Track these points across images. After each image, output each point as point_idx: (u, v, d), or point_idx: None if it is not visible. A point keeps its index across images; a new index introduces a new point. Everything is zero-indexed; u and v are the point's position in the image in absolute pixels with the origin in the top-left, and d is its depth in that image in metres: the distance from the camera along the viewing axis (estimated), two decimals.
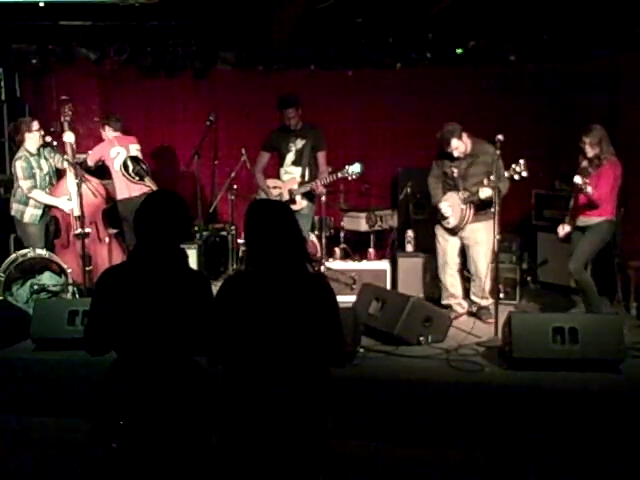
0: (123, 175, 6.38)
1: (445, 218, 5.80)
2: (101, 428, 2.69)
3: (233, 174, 6.87)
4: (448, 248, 5.90)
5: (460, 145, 5.65)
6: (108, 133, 6.57)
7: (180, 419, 2.66)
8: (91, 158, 6.56)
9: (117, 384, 2.71)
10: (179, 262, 2.78)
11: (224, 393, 2.70)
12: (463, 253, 5.92)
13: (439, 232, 5.94)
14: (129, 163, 6.39)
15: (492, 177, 5.29)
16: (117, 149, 6.46)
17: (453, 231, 5.84)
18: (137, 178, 6.34)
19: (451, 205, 5.75)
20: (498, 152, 5.32)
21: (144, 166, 6.48)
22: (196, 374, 2.77)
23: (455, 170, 5.75)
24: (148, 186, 6.20)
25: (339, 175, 6.15)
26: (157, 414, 2.63)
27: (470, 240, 5.78)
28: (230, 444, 2.68)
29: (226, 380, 2.71)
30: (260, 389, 2.62)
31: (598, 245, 5.42)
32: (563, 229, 5.59)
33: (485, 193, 5.47)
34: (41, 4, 5.94)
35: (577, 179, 5.20)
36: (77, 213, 6.01)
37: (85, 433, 2.74)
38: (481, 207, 5.60)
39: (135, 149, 6.56)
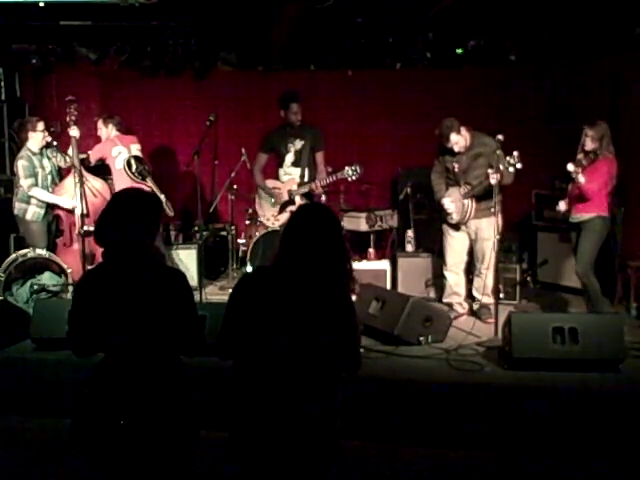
0: (126, 174, 6.37)
1: (449, 214, 5.81)
2: (82, 428, 2.68)
3: (233, 174, 6.87)
4: (455, 245, 5.91)
5: (460, 140, 5.65)
6: (110, 131, 6.57)
7: (161, 419, 2.64)
8: (92, 156, 6.55)
9: (99, 385, 2.70)
10: (152, 260, 2.77)
11: (233, 389, 2.69)
12: (471, 253, 5.93)
13: (445, 229, 5.95)
14: (132, 162, 6.39)
15: (500, 166, 5.27)
16: (118, 148, 6.46)
17: (459, 228, 5.85)
18: (140, 178, 6.34)
19: (453, 200, 5.76)
20: (498, 152, 5.31)
21: (146, 166, 6.49)
22: (178, 373, 2.75)
23: (456, 165, 5.75)
24: (149, 186, 6.20)
25: (338, 176, 6.16)
26: (138, 414, 2.62)
27: (476, 236, 5.80)
28: (239, 442, 2.67)
29: (236, 376, 2.70)
30: (270, 387, 2.61)
31: (597, 243, 5.41)
32: (565, 203, 5.54)
33: (495, 179, 5.39)
34: (41, 4, 5.94)
35: (570, 166, 5.23)
36: (79, 212, 6.02)
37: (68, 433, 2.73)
38: (483, 198, 5.54)
39: (136, 149, 6.56)
